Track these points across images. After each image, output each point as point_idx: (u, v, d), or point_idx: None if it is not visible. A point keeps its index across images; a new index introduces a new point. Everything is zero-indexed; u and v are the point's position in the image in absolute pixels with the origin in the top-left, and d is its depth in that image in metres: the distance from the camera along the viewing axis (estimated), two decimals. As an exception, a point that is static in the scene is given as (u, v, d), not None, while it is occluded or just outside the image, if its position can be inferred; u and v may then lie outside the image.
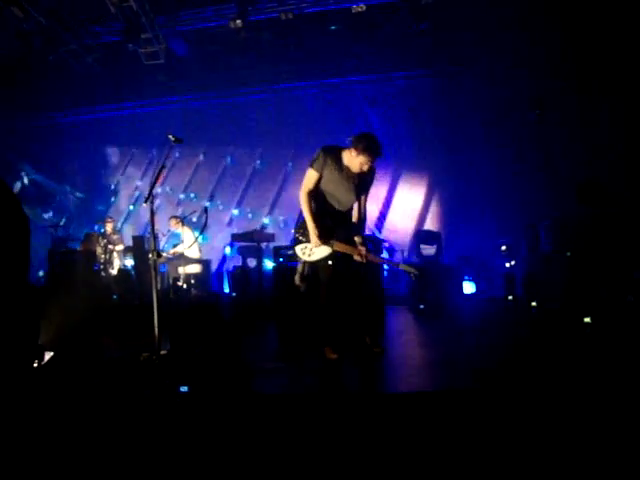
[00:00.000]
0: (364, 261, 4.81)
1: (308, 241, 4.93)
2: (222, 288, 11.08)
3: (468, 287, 9.86)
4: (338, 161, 4.85)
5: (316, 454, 2.92)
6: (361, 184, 4.90)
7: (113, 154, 13.27)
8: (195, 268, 9.88)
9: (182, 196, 13.32)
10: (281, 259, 7.40)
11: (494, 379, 4.03)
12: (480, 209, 10.50)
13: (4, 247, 0.54)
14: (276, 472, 2.77)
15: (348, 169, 4.83)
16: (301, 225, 5.01)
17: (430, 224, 10.77)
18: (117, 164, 13.40)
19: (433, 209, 11.10)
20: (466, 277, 9.90)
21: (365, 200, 5.03)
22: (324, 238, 4.84)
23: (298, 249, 5.01)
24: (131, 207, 13.53)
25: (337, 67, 11.63)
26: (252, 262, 10.10)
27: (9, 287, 0.53)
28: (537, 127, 8.70)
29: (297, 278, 5.26)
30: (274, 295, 7.10)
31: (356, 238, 4.91)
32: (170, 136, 5.19)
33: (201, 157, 13.26)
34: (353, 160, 4.74)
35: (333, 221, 4.92)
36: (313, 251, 4.92)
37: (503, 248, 10.08)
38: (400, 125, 12.02)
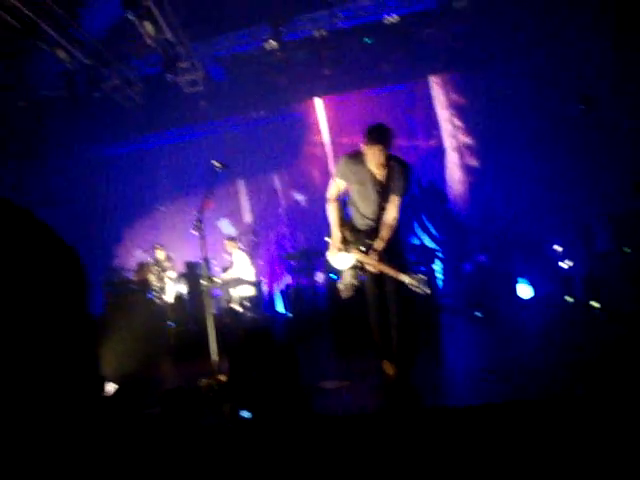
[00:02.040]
0: (375, 271, 4.55)
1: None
2: (275, 309, 11.11)
3: (524, 290, 9.63)
4: (361, 166, 4.61)
5: (383, 476, 2.85)
6: (387, 189, 4.59)
7: (159, 183, 13.47)
8: (248, 290, 9.91)
9: (227, 220, 13.46)
10: (334, 276, 7.38)
11: (566, 389, 3.89)
12: (531, 210, 10.26)
13: (63, 285, 0.53)
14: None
15: (373, 176, 4.60)
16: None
17: (481, 229, 10.56)
18: (163, 192, 13.60)
19: (482, 213, 10.89)
20: (521, 280, 9.68)
21: (395, 205, 4.61)
22: (343, 246, 4.74)
23: (328, 254, 4.92)
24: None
25: (374, 78, 11.60)
26: (305, 280, 10.08)
27: (72, 320, 0.53)
28: (588, 123, 8.48)
29: (340, 285, 4.98)
30: (330, 312, 7.07)
31: (367, 243, 4.64)
32: (215, 162, 5.23)
33: (244, 180, 13.35)
34: (369, 157, 4.51)
35: (362, 230, 4.76)
36: (338, 257, 4.80)
37: (558, 248, 9.82)
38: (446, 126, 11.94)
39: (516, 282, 9.49)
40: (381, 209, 4.63)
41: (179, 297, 10.12)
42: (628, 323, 6.35)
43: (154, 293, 10.14)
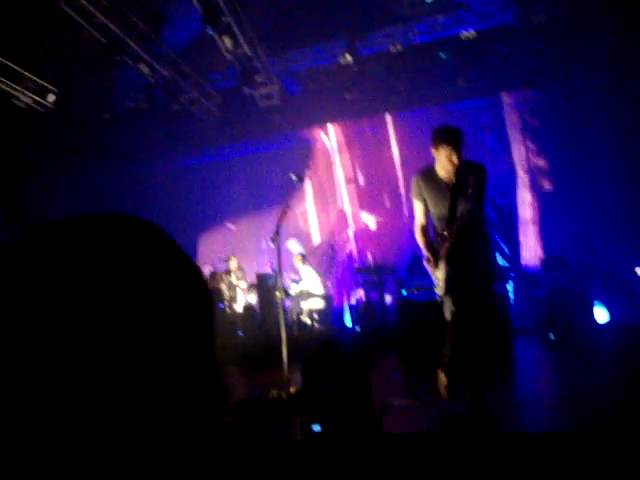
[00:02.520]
0: (450, 238, 4.23)
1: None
2: (344, 322, 11.10)
3: (602, 314, 9.28)
4: (432, 178, 4.43)
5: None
6: (461, 192, 4.29)
7: (233, 194, 13.68)
8: (318, 303, 9.94)
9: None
10: (404, 291, 7.33)
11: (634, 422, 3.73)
12: (609, 231, 9.92)
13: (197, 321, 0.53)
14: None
15: (446, 183, 4.35)
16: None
17: (556, 250, 10.26)
18: (237, 204, 13.80)
19: (558, 234, 10.59)
20: (599, 303, 9.33)
21: (474, 205, 4.31)
22: (435, 258, 4.34)
23: (436, 288, 4.49)
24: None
25: (449, 94, 11.49)
26: (374, 295, 10.03)
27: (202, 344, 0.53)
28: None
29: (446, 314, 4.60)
30: (400, 329, 7.01)
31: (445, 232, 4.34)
32: (293, 175, 5.29)
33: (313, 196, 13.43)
34: (441, 162, 4.30)
35: (441, 240, 4.40)
36: (438, 278, 4.37)
37: (638, 271, 9.44)
38: (519, 148, 11.69)
39: (593, 305, 9.16)
40: (453, 211, 4.31)
41: (249, 307, 10.25)
42: None
43: (225, 302, 10.30)
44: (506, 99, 11.76)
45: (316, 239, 13.21)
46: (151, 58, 9.81)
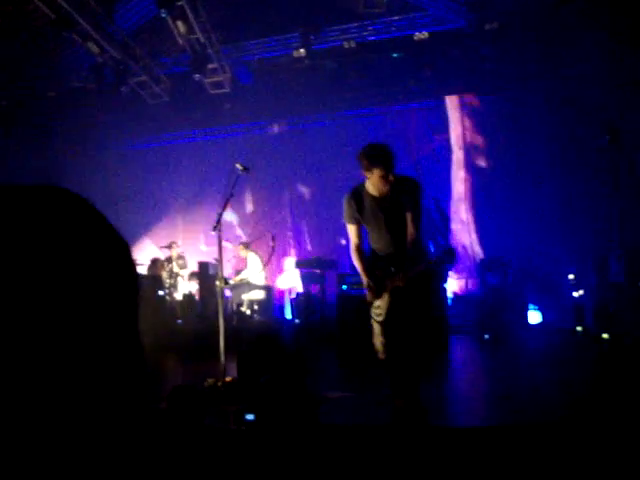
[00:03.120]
0: (402, 283, 3.97)
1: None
2: (284, 314, 11.12)
3: (534, 316, 9.59)
4: (363, 198, 4.24)
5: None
6: (393, 211, 4.16)
7: (180, 182, 13.49)
8: (259, 294, 9.93)
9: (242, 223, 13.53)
10: (344, 286, 7.38)
11: (562, 417, 3.89)
12: (547, 237, 10.23)
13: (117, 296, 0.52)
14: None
15: (378, 201, 4.18)
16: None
17: (495, 252, 10.51)
18: (182, 191, 13.63)
19: (499, 237, 10.84)
20: (532, 306, 9.64)
21: (411, 221, 4.16)
22: (377, 286, 4.17)
23: (372, 312, 4.31)
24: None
25: (400, 94, 11.62)
26: (315, 289, 10.07)
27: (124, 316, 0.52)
28: (608, 153, 8.44)
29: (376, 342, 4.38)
30: (338, 323, 7.07)
31: (392, 268, 4.14)
32: (238, 165, 5.27)
33: (264, 184, 13.35)
34: (375, 183, 4.07)
35: (384, 264, 4.23)
36: (379, 306, 4.22)
37: (571, 277, 9.78)
38: (464, 151, 11.89)
39: (527, 307, 9.45)
40: (397, 233, 4.20)
41: (189, 296, 10.16)
42: (633, 355, 6.34)
43: (165, 290, 10.18)
44: (453, 102, 11.95)
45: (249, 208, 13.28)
46: (101, 37, 9.59)
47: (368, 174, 4.06)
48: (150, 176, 13.36)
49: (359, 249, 4.33)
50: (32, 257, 0.57)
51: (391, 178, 3.98)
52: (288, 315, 10.86)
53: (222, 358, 5.10)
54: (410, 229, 4.14)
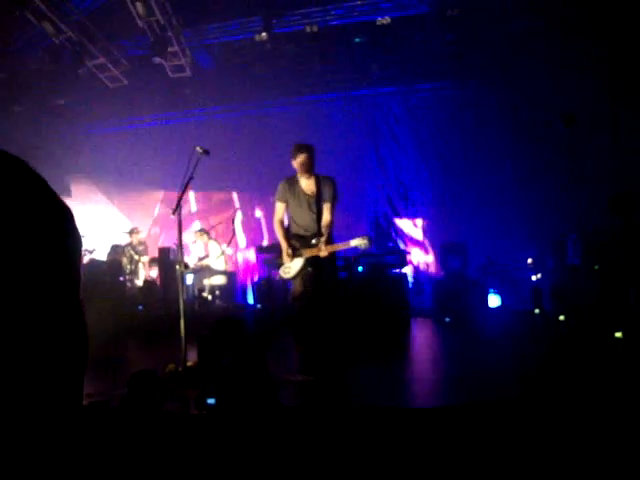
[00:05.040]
0: (326, 253, 5.33)
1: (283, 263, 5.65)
2: (246, 300, 11.10)
3: (494, 300, 9.75)
4: (295, 186, 5.63)
5: (341, 468, 2.89)
6: (317, 200, 5.57)
7: (139, 165, 13.30)
8: (220, 279, 9.88)
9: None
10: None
11: (520, 393, 3.98)
12: (505, 222, 10.39)
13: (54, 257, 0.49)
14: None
15: (304, 192, 5.60)
16: (279, 251, 5.75)
17: (455, 236, 10.64)
18: (143, 176, 13.45)
19: (458, 221, 10.97)
20: (491, 290, 9.80)
21: (328, 210, 5.56)
22: (294, 252, 5.53)
23: (280, 271, 5.69)
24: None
25: (362, 79, 11.63)
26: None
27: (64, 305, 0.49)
28: (565, 138, 8.58)
29: (290, 297, 5.81)
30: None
31: (314, 240, 5.48)
32: (198, 148, 5.23)
33: (226, 169, 13.24)
34: (299, 169, 5.56)
35: (302, 238, 5.59)
36: (289, 266, 5.56)
37: (529, 261, 9.97)
38: (426, 137, 11.97)
39: (488, 292, 9.61)
40: (316, 216, 5.55)
41: (150, 282, 10.08)
42: (587, 335, 6.52)
43: (126, 276, 10.07)
44: (420, 88, 12.00)
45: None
46: (57, 18, 9.35)
47: (294, 163, 5.56)
48: (111, 160, 13.15)
49: (282, 222, 5.70)
50: None
51: (309, 167, 5.50)
52: (250, 300, 10.84)
53: (183, 343, 5.07)
54: (326, 215, 5.54)
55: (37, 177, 0.66)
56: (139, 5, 9.22)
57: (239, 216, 12.71)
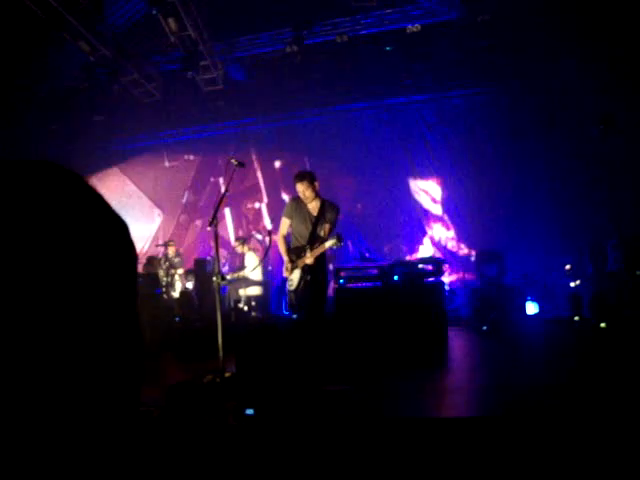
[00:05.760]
0: (312, 259, 5.78)
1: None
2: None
3: (531, 307, 9.59)
4: (302, 206, 5.96)
5: (381, 476, 2.86)
6: (318, 222, 5.93)
7: (174, 179, 13.46)
8: (256, 290, 9.93)
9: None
10: (341, 280, 7.38)
11: (563, 406, 3.89)
12: (542, 227, 10.24)
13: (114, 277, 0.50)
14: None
15: (309, 212, 5.96)
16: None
17: (491, 244, 10.50)
18: (179, 189, 13.60)
19: (494, 229, 10.83)
20: (529, 297, 9.64)
21: (326, 231, 5.90)
22: (292, 265, 5.96)
23: (287, 285, 6.15)
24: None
25: (393, 88, 11.59)
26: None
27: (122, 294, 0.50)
28: (602, 143, 8.42)
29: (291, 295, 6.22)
30: (335, 316, 7.07)
31: (304, 254, 5.91)
32: (233, 160, 5.26)
33: (260, 181, 13.29)
34: (300, 193, 5.87)
35: (298, 250, 6.00)
36: (292, 279, 6.02)
37: (567, 267, 9.80)
38: (459, 144, 11.86)
39: (526, 299, 9.45)
40: (314, 234, 5.91)
41: (186, 293, 10.14)
42: (632, 344, 6.35)
43: (162, 288, 10.16)
44: (452, 95, 11.92)
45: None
46: (92, 36, 9.54)
47: (296, 189, 5.89)
48: (145, 174, 13.34)
49: (285, 238, 6.14)
50: (34, 233, 0.55)
51: (307, 194, 5.80)
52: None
53: (220, 354, 5.09)
54: (322, 234, 5.89)
55: (95, 191, 0.67)
56: (171, 21, 9.37)
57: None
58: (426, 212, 12.27)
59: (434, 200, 12.32)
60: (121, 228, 0.66)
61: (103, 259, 0.61)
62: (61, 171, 0.63)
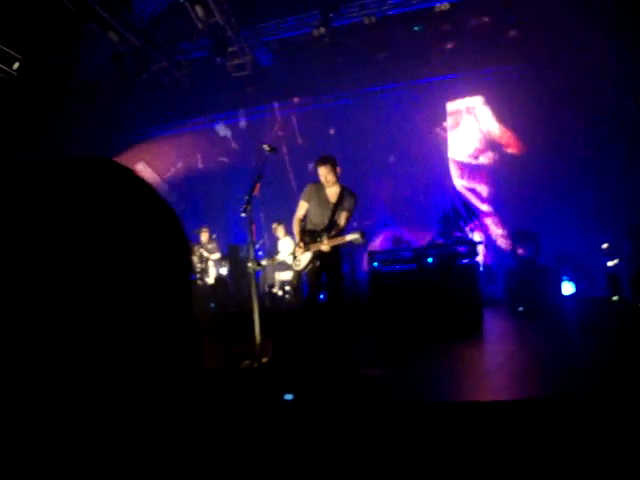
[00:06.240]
0: (328, 247, 5.72)
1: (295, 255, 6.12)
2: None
3: (567, 287, 9.46)
4: (321, 191, 5.93)
5: (422, 462, 2.85)
6: (336, 209, 5.91)
7: (205, 165, 13.54)
8: (290, 275, 9.95)
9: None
10: (375, 264, 7.37)
11: (603, 388, 3.83)
12: (577, 206, 10.07)
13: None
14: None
15: (327, 197, 5.93)
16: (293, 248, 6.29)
17: (526, 224, 10.35)
18: (210, 175, 13.67)
19: (529, 208, 10.67)
20: (565, 277, 9.50)
21: (343, 218, 5.89)
22: (304, 245, 5.92)
23: (292, 263, 6.21)
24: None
25: (423, 67, 11.40)
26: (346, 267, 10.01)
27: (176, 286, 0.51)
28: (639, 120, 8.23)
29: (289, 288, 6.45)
30: (371, 299, 7.07)
31: (319, 239, 5.88)
32: (265, 146, 5.26)
33: (288, 165, 13.29)
34: (321, 177, 5.82)
35: (312, 233, 5.98)
36: (300, 259, 6.03)
37: (604, 246, 9.61)
38: (492, 124, 11.69)
39: (561, 279, 9.32)
40: (330, 219, 5.92)
41: (220, 279, 10.21)
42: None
43: (196, 274, 10.25)
44: (482, 73, 11.72)
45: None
46: (120, 26, 9.60)
47: (318, 173, 5.84)
48: (176, 162, 13.43)
49: (300, 220, 6.06)
50: (100, 227, 0.57)
51: (329, 178, 5.76)
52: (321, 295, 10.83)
53: (257, 339, 5.12)
54: (341, 221, 5.89)
55: (149, 185, 0.68)
56: (198, 8, 9.37)
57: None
58: (460, 194, 12.15)
59: (469, 181, 12.18)
60: (175, 220, 0.68)
61: (163, 250, 0.62)
62: (117, 167, 0.64)
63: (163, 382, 0.60)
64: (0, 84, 9.94)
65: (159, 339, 0.60)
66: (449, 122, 12.34)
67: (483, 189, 12.05)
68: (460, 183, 12.26)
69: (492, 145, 11.83)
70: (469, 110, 12.17)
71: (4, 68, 9.58)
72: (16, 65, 9.68)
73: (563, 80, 10.39)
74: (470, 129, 12.16)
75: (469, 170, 12.21)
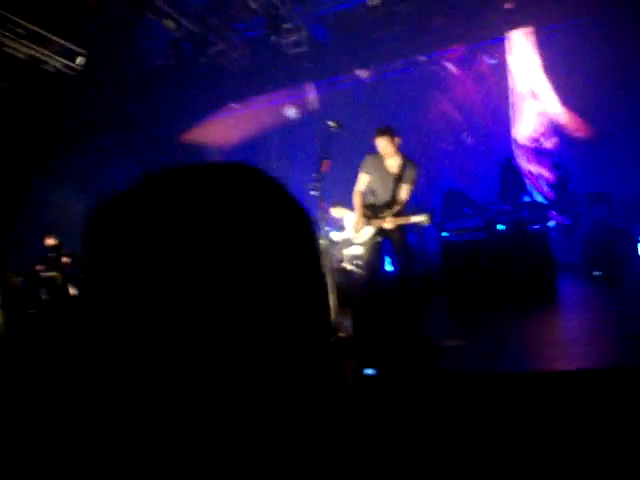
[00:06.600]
0: (390, 225, 5.68)
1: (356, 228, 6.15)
2: (384, 267, 11.08)
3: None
4: (381, 162, 5.88)
5: (508, 438, 2.83)
6: (398, 181, 5.84)
7: (269, 145, 13.64)
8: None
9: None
10: (444, 233, 7.31)
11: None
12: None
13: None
14: (469, 457, 2.72)
15: (388, 169, 5.87)
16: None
17: (598, 185, 10.00)
18: (274, 155, 13.77)
19: (601, 169, 10.30)
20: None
21: (406, 190, 5.84)
22: (366, 220, 5.94)
23: (351, 235, 6.49)
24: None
25: (484, 28, 11.02)
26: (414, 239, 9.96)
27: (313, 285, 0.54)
28: None
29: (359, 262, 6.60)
30: (444, 270, 7.03)
31: (381, 214, 5.86)
32: (330, 122, 5.24)
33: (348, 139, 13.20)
34: (381, 149, 5.79)
35: (374, 208, 5.99)
36: (360, 233, 6.12)
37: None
38: (559, 79, 11.29)
39: (637, 240, 9.00)
40: (392, 192, 5.86)
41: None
42: None
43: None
44: (548, 29, 11.29)
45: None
46: (176, 13, 9.70)
47: (377, 144, 5.80)
48: (237, 143, 13.56)
49: (362, 194, 6.03)
50: (254, 227, 0.61)
51: (389, 149, 5.73)
52: (389, 267, 10.82)
53: (333, 315, 5.16)
54: (403, 194, 5.85)
55: (285, 189, 0.72)
56: (250, -13, 9.37)
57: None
58: (529, 158, 11.84)
59: (537, 144, 11.86)
60: (308, 219, 0.71)
61: (302, 248, 0.66)
62: (255, 172, 0.68)
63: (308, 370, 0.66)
64: (64, 79, 10.22)
65: (302, 334, 0.64)
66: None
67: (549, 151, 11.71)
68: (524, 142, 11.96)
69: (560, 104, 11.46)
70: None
71: (69, 64, 9.84)
72: (80, 60, 9.92)
73: (628, 31, 9.90)
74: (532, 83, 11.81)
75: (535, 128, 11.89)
